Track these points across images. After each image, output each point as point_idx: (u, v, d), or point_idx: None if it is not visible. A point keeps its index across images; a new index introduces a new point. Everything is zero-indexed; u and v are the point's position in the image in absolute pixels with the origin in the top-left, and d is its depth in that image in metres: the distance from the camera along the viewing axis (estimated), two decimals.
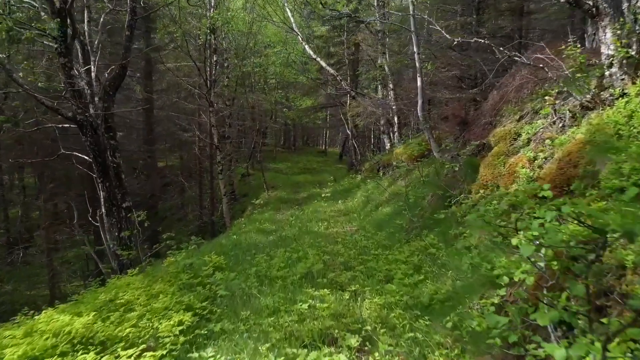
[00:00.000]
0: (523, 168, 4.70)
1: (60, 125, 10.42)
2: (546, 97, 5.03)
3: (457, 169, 5.66)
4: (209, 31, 14.85)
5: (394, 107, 14.19)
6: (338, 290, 4.59)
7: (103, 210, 9.82)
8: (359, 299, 4.32)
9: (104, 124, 9.79)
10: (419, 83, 8.91)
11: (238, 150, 26.78)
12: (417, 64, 8.86)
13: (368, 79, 23.10)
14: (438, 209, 5.96)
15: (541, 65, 4.62)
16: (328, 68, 18.89)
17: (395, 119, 14.80)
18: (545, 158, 4.55)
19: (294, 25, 19.52)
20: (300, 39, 19.44)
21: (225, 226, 15.85)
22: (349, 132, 22.27)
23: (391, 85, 14.24)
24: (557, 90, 4.83)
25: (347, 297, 4.28)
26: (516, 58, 4.78)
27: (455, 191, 5.80)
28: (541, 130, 4.99)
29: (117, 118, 19.69)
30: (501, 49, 5.07)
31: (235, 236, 8.84)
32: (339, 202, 13.54)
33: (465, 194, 5.57)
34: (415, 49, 8.90)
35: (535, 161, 4.64)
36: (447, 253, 4.76)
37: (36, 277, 16.90)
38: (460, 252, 4.55)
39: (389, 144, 16.83)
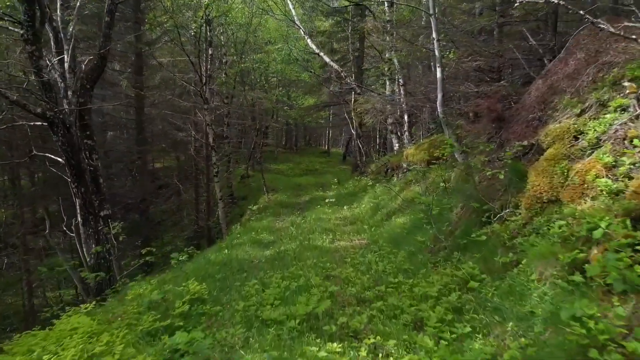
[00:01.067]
0: (599, 177, 3.51)
1: (33, 123, 9.30)
2: (625, 84, 3.84)
3: (502, 176, 4.46)
4: (203, 22, 13.72)
5: (404, 105, 13.00)
6: (352, 341, 3.42)
7: (79, 219, 8.69)
8: (380, 355, 3.16)
9: (80, 121, 8.65)
10: (438, 74, 7.71)
11: (238, 150, 25.66)
12: (437, 52, 7.66)
13: (375, 75, 21.95)
14: (472, 226, 4.77)
15: (633, 37, 3.44)
16: (332, 63, 17.73)
17: (406, 117, 13.61)
18: (634, 164, 3.37)
19: (295, 18, 18.38)
20: (302, 33, 18.30)
21: (222, 233, 14.72)
22: (354, 132, 21.11)
23: (401, 81, 13.04)
24: None
25: (365, 354, 3.11)
26: (601, 25, 3.60)
27: (496, 204, 4.61)
28: (617, 126, 3.80)
29: (107, 117, 18.64)
30: (578, 11, 3.88)
31: (226, 250, 7.67)
32: (345, 207, 12.36)
33: (511, 209, 4.38)
34: (434, 35, 7.70)
35: (618, 168, 3.45)
36: (497, 290, 3.57)
37: (19, 285, 15.80)
38: (517, 290, 3.36)
39: (397, 145, 15.65)
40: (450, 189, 6.14)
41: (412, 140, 13.59)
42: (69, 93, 8.44)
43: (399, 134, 15.80)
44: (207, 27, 14.66)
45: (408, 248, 5.62)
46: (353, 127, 21.08)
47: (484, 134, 5.90)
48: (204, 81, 13.94)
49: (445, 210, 5.63)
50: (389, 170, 14.76)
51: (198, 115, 17.73)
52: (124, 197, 15.77)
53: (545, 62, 6.93)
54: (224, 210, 14.70)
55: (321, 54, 17.66)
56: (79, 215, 8.68)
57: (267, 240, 8.94)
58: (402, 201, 9.08)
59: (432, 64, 15.77)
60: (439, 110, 7.73)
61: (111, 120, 17.60)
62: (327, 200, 11.96)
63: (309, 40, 18.11)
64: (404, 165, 12.84)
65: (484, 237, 4.19)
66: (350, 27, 20.63)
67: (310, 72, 20.56)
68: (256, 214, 13.75)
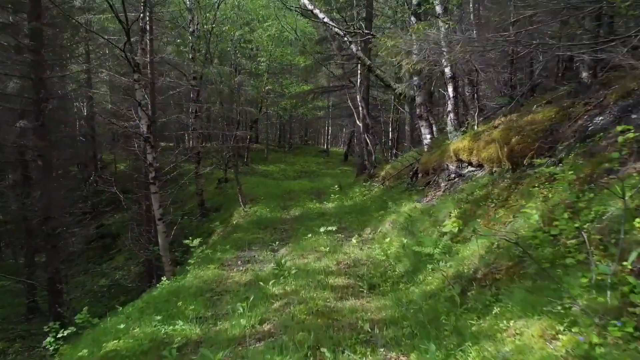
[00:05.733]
0: None
1: None
2: None
3: None
4: None
5: (445, 63, 7.76)
6: None
7: None
8: None
9: None
10: None
11: (208, 147, 20.56)
12: None
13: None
14: None
15: None
16: (330, 23, 12.63)
17: (450, 89, 8.36)
18: None
19: None
20: None
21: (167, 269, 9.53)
22: (359, 123, 15.95)
23: (441, 22, 7.73)
24: None
25: None
26: None
27: None
28: None
29: (17, 100, 13.41)
30: None
31: None
32: (353, 239, 7.23)
33: None
34: None
35: None
36: None
37: None
38: None
39: (429, 136, 10.48)
40: None
41: (463, 126, 8.38)
42: None
43: (429, 120, 10.65)
44: None
45: None
46: (358, 118, 15.94)
47: None
48: (129, 34, 8.77)
49: None
50: (418, 176, 9.60)
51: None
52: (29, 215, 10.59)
53: None
54: (165, 235, 9.49)
55: (315, 10, 12.61)
56: None
57: (178, 339, 3.79)
58: (485, 253, 3.93)
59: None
60: None
61: (24, 106, 12.36)
62: (323, 230, 6.79)
63: None
64: (451, 168, 7.71)
65: None
66: None
67: (305, 37, 15.38)
68: (211, 246, 8.58)
